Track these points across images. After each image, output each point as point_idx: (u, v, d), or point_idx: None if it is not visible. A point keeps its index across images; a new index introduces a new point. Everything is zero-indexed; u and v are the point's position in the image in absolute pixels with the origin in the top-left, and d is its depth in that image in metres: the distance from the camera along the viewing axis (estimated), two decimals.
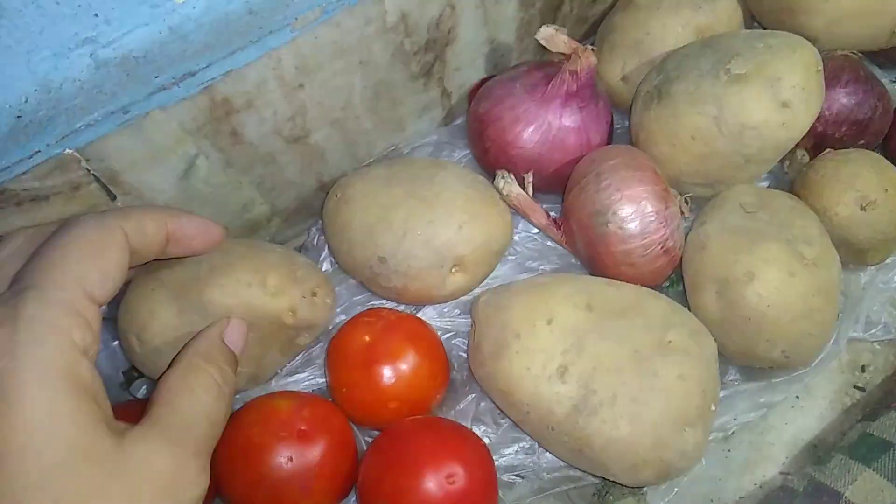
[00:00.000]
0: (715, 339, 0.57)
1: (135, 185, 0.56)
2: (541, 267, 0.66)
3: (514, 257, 0.68)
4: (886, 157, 0.68)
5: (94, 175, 0.53)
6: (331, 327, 0.65)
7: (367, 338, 0.57)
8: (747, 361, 0.59)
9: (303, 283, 0.56)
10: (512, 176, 0.63)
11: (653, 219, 0.57)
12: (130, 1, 0.46)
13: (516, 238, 0.68)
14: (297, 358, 0.64)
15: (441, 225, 0.59)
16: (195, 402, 0.40)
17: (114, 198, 0.55)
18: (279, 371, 0.64)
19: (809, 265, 0.55)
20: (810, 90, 0.58)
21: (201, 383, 0.42)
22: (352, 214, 0.61)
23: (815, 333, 0.56)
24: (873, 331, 0.63)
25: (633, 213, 0.57)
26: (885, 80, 0.75)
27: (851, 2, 0.63)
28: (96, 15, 0.46)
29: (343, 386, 0.58)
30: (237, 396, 0.63)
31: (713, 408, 0.54)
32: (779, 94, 0.57)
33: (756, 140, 0.59)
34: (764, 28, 0.70)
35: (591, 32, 0.76)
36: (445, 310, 0.65)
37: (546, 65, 0.66)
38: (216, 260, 0.54)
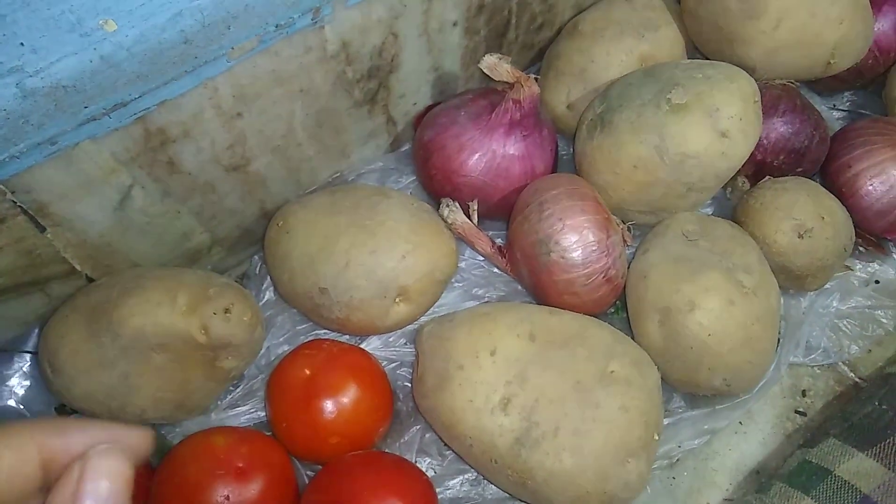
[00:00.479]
0: (658, 368, 0.57)
1: (66, 217, 0.54)
2: (487, 294, 0.66)
3: (461, 284, 0.67)
4: (824, 185, 0.69)
5: (20, 207, 0.51)
6: (273, 358, 0.64)
7: (307, 371, 0.56)
8: (690, 389, 0.59)
9: (216, 300, 0.55)
10: (457, 204, 0.63)
11: (595, 248, 0.57)
12: (59, 29, 0.45)
13: (463, 265, 0.67)
14: (238, 390, 0.63)
15: (384, 255, 0.58)
16: None
17: (43, 229, 0.53)
18: (219, 403, 0.62)
19: (749, 294, 0.56)
20: (748, 120, 0.59)
21: None
22: (293, 244, 0.60)
23: (755, 361, 0.56)
24: (813, 355, 0.64)
25: (576, 242, 0.57)
26: (823, 107, 0.77)
27: (787, 34, 0.64)
28: (22, 44, 0.44)
29: (283, 420, 0.56)
30: (176, 430, 0.61)
31: (656, 437, 0.54)
32: (718, 124, 0.58)
33: (697, 169, 0.59)
34: (706, 57, 0.71)
35: (538, 59, 0.76)
36: (391, 339, 0.64)
37: (491, 93, 0.66)
38: (129, 283, 0.54)
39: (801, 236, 0.60)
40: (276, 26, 0.53)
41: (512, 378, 0.53)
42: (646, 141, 0.60)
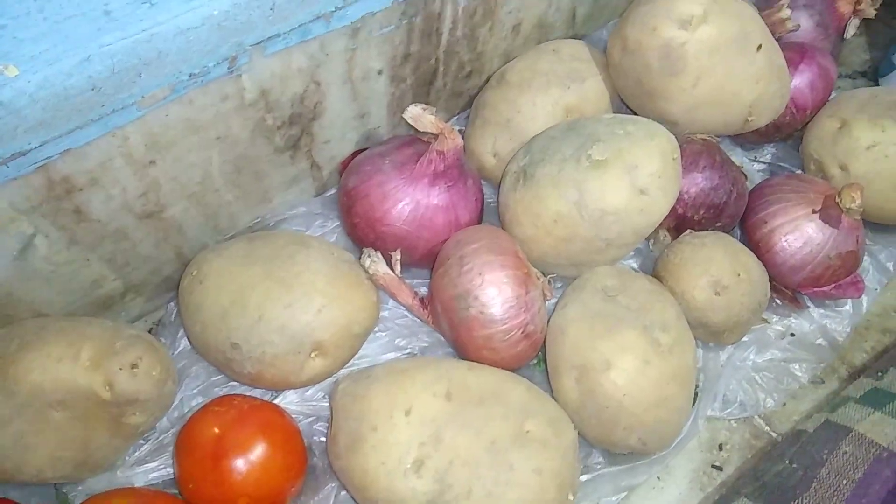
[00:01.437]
0: (575, 425, 0.57)
1: None
2: (410, 345, 0.65)
3: (384, 333, 0.66)
4: (743, 239, 0.70)
5: None
6: (186, 410, 0.62)
7: (216, 429, 0.54)
8: (606, 446, 0.59)
9: (122, 354, 0.53)
10: (379, 254, 0.62)
11: (513, 304, 0.57)
12: None
13: (387, 314, 0.66)
14: (148, 444, 0.61)
15: (298, 308, 0.57)
16: None
17: None
18: (126, 458, 0.60)
19: (665, 352, 0.56)
20: (667, 177, 0.59)
21: None
22: (205, 295, 0.58)
23: (670, 420, 0.57)
24: (730, 409, 0.65)
25: (494, 298, 0.57)
26: (744, 159, 0.79)
27: (706, 92, 0.65)
28: None
29: (190, 480, 0.54)
30: (79, 488, 0.59)
31: (571, 497, 0.53)
32: (637, 181, 0.58)
33: (615, 225, 0.59)
34: (631, 109, 0.72)
35: (468, 106, 0.76)
36: (308, 393, 0.62)
37: (416, 141, 0.65)
38: (29, 335, 0.52)
39: (717, 293, 0.61)
40: (190, 75, 0.52)
41: (426, 439, 0.52)
42: (566, 196, 0.60)
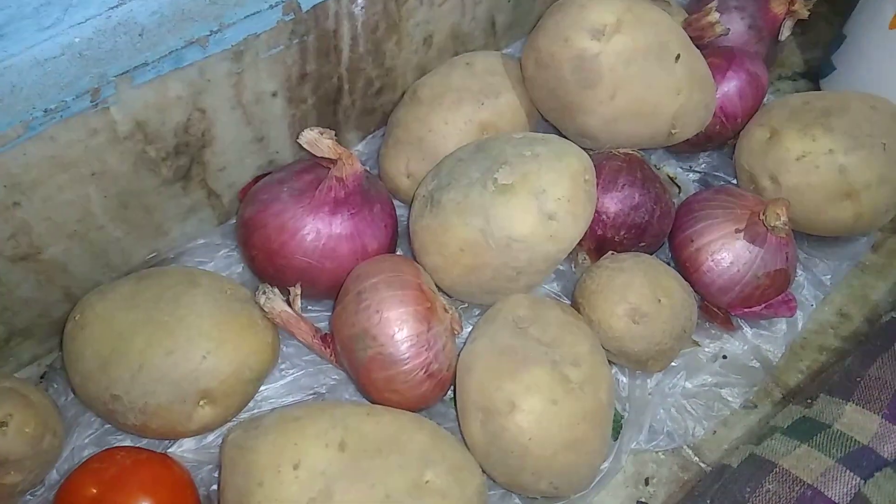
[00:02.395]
0: (484, 469, 0.54)
1: None
2: (315, 385, 0.62)
3: (291, 371, 0.62)
4: (672, 257, 0.67)
5: None
6: (76, 461, 0.58)
7: (93, 490, 0.50)
8: (517, 491, 0.55)
9: None
10: (275, 290, 0.58)
11: (413, 343, 0.53)
12: None
13: (292, 350, 0.63)
14: (34, 501, 0.57)
15: (181, 355, 0.53)
16: None
17: None
18: None
19: (575, 390, 0.53)
20: (577, 201, 0.56)
21: None
22: (86, 342, 0.54)
23: (582, 463, 0.53)
24: (657, 441, 0.61)
25: (392, 337, 0.53)
26: (679, 170, 0.75)
27: (624, 104, 0.61)
28: None
29: None
30: None
31: None
32: (544, 207, 0.55)
33: (524, 253, 0.56)
34: (550, 123, 0.68)
35: (384, 122, 0.72)
36: (206, 439, 0.59)
37: (317, 166, 0.61)
38: None
39: (636, 322, 0.57)
40: (45, 111, 0.48)
41: (316, 494, 0.48)
42: (472, 223, 0.56)
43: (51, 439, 0.54)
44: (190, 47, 0.52)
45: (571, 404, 0.52)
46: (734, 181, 0.74)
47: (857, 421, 0.55)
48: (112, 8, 0.49)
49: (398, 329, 0.53)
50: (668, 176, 0.75)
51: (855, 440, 0.54)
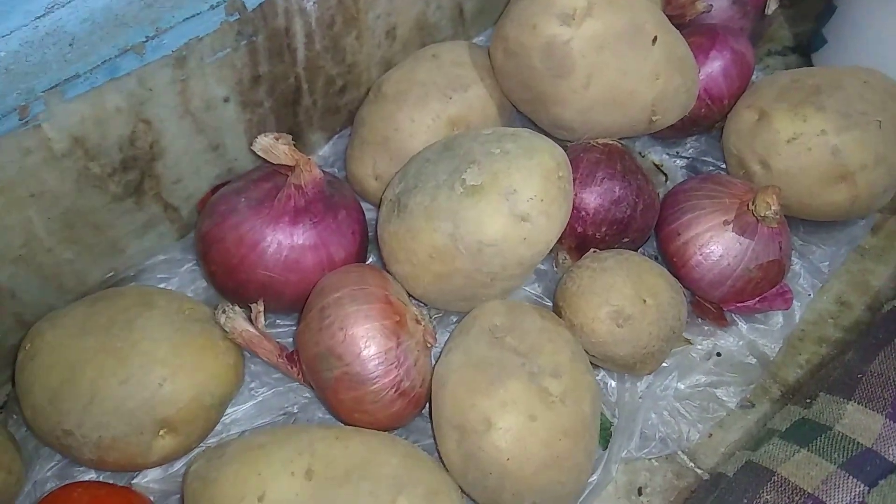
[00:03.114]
0: (462, 490, 0.50)
1: None
2: (287, 404, 0.59)
3: (262, 390, 0.59)
4: (658, 252, 0.63)
5: None
6: (39, 495, 0.55)
7: None
8: None
9: None
10: (236, 309, 0.55)
11: (381, 361, 0.50)
12: None
13: (260, 368, 0.59)
14: None
15: (136, 384, 0.50)
16: None
17: None
18: None
19: (555, 403, 0.49)
20: (551, 200, 0.52)
21: None
22: (35, 374, 0.51)
23: (565, 480, 0.50)
24: (649, 447, 0.58)
25: (359, 356, 0.50)
26: (665, 155, 0.71)
27: (600, 92, 0.58)
28: None
29: None
30: None
31: None
32: (515, 208, 0.51)
33: (496, 258, 0.52)
34: (524, 115, 0.64)
35: (350, 121, 0.69)
36: (174, 468, 0.55)
37: (276, 174, 0.58)
38: None
39: (619, 325, 0.54)
40: None
41: None
42: (440, 228, 0.53)
43: (5, 477, 0.51)
44: (125, 55, 0.48)
45: (551, 419, 0.49)
46: (723, 165, 0.70)
47: (859, 421, 0.52)
48: (39, 17, 0.45)
49: (364, 346, 0.50)
50: (654, 163, 0.72)
51: (858, 443, 0.50)
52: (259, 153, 0.54)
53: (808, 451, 0.51)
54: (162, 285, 0.63)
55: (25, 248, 0.53)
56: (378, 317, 0.51)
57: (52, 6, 0.45)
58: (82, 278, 0.59)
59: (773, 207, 0.56)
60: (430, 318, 0.56)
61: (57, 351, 0.51)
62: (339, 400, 0.51)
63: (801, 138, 0.60)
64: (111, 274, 0.61)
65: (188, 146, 0.57)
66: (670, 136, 0.70)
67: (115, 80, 0.49)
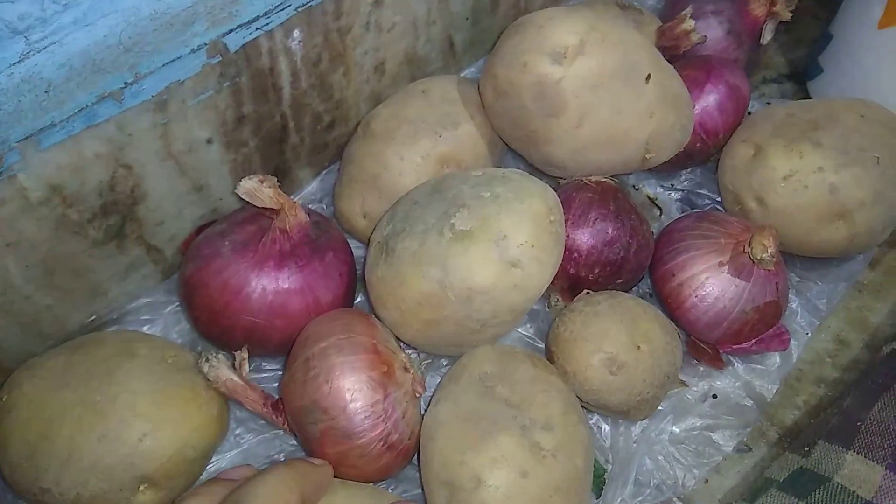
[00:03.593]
0: None
1: None
2: (272, 453, 0.57)
3: (247, 437, 0.58)
4: (654, 292, 0.62)
5: None
6: None
7: None
8: None
9: None
10: (220, 356, 0.53)
11: (367, 414, 0.48)
12: None
13: (245, 414, 0.58)
14: None
15: (114, 440, 0.48)
16: None
17: None
18: None
19: (547, 457, 0.48)
20: (542, 246, 0.51)
21: None
22: (11, 428, 0.50)
23: None
24: (644, 495, 0.57)
25: (345, 409, 0.48)
26: (659, 188, 0.70)
27: (592, 132, 0.56)
28: None
29: None
30: None
31: None
32: (506, 254, 0.50)
33: (487, 305, 0.51)
34: (515, 152, 0.63)
35: (338, 157, 0.67)
36: None
37: (260, 216, 0.56)
38: None
39: (613, 373, 0.53)
40: None
41: None
42: (428, 275, 0.51)
43: None
44: (103, 102, 0.47)
45: (543, 475, 0.47)
46: (719, 199, 0.69)
47: (859, 473, 0.50)
48: (14, 64, 0.44)
49: (351, 400, 0.48)
50: (648, 197, 0.70)
51: (857, 496, 0.49)
52: (243, 196, 0.53)
53: (806, 503, 0.50)
54: (145, 328, 0.61)
55: (2, 296, 0.52)
56: (365, 368, 0.49)
57: (28, 52, 0.44)
58: (62, 324, 0.58)
59: (769, 250, 0.55)
60: (420, 364, 0.55)
61: (34, 404, 0.50)
62: (324, 453, 0.50)
63: (797, 175, 0.59)
64: (93, 318, 0.59)
65: (171, 188, 0.56)
66: (665, 169, 0.69)
67: (93, 126, 0.47)
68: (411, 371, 0.53)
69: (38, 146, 0.46)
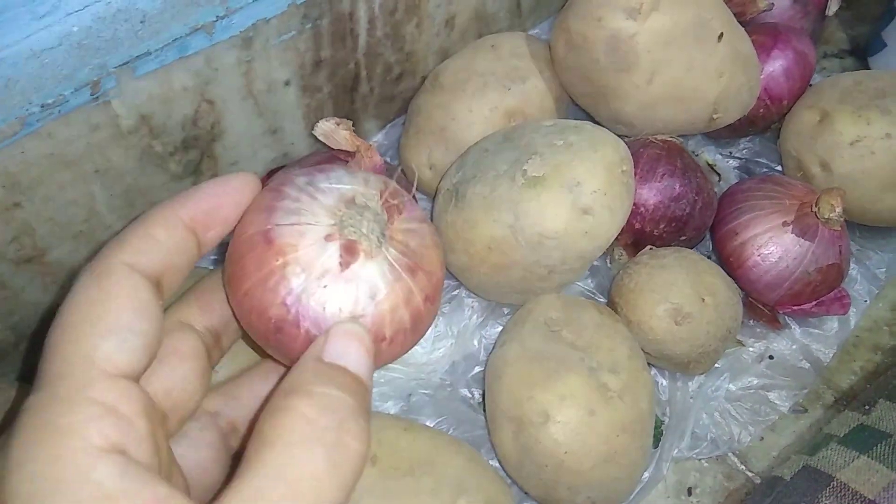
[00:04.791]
0: (516, 482, 0.50)
1: None
2: None
3: None
4: (714, 251, 0.63)
5: None
6: None
7: None
8: None
9: None
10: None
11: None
12: None
13: None
14: None
15: None
16: (291, 462, 0.24)
17: None
18: None
19: (614, 398, 0.49)
20: (614, 194, 0.52)
21: (295, 432, 0.24)
22: None
23: (621, 477, 0.49)
24: (700, 448, 0.57)
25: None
26: (718, 156, 0.71)
27: (662, 88, 0.57)
28: None
29: None
30: None
31: None
32: (579, 200, 0.51)
33: (556, 251, 0.52)
34: (582, 109, 0.64)
35: (404, 110, 0.68)
36: None
37: (333, 159, 0.58)
38: None
39: (678, 323, 0.53)
40: (42, 106, 0.45)
41: None
42: (500, 219, 0.52)
43: None
44: (195, 34, 0.48)
45: (610, 414, 0.48)
46: (777, 168, 0.69)
47: None
48: None
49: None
50: (707, 163, 0.71)
51: None
52: (320, 137, 0.54)
53: (867, 457, 0.50)
54: (212, 268, 0.63)
55: (86, 223, 0.53)
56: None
57: None
58: None
59: (837, 210, 0.55)
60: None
61: None
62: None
63: (864, 141, 0.59)
64: None
65: (247, 128, 0.57)
66: (724, 136, 0.69)
67: (184, 58, 0.49)
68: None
69: (133, 73, 0.47)
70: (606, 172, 0.52)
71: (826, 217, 0.55)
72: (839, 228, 0.57)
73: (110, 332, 0.25)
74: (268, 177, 0.62)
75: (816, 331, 0.62)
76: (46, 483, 0.22)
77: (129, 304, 0.26)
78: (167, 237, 0.28)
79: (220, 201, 0.29)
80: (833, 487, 0.49)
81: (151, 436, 0.24)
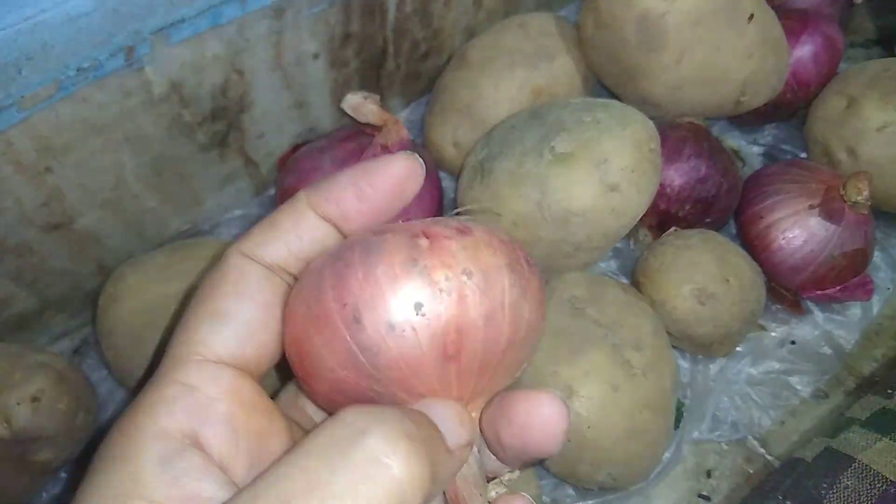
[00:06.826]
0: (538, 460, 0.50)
1: None
2: None
3: None
4: (738, 234, 0.63)
5: None
6: None
7: None
8: (573, 482, 0.52)
9: (21, 386, 0.48)
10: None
11: None
12: None
13: None
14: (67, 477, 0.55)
15: None
16: None
17: None
18: (44, 494, 0.54)
19: (637, 375, 0.49)
20: (642, 172, 0.52)
21: None
22: (118, 317, 0.52)
23: (643, 454, 0.49)
24: (720, 430, 0.57)
25: None
26: (742, 142, 0.70)
27: (691, 69, 0.57)
28: None
29: None
30: None
31: None
32: (606, 177, 0.51)
33: (583, 228, 0.52)
34: (608, 89, 0.63)
35: (429, 88, 0.68)
36: None
37: (360, 134, 0.58)
38: None
39: (702, 303, 0.53)
40: (78, 70, 0.45)
41: None
42: (526, 195, 0.52)
43: (84, 416, 0.52)
44: (229, 2, 0.48)
45: (634, 390, 0.48)
46: (802, 154, 0.69)
47: None
48: None
49: None
50: (731, 149, 0.71)
51: None
52: (348, 111, 0.54)
53: (890, 439, 0.50)
54: None
55: (114, 191, 0.54)
56: None
57: None
58: (162, 228, 0.60)
59: (864, 193, 0.55)
60: None
61: (140, 294, 0.52)
62: None
63: (891, 127, 0.59)
64: (189, 226, 0.61)
65: (275, 101, 0.57)
66: (749, 121, 0.69)
67: (217, 27, 0.49)
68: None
69: (167, 40, 0.47)
70: (635, 149, 0.51)
71: (853, 200, 0.55)
72: (866, 213, 0.57)
73: (209, 317, 0.25)
74: (292, 151, 0.62)
75: (839, 317, 0.62)
76: (106, 454, 0.23)
77: (234, 291, 0.26)
78: (292, 226, 0.27)
79: (362, 192, 0.27)
80: (854, 469, 0.49)
81: (230, 419, 0.24)
